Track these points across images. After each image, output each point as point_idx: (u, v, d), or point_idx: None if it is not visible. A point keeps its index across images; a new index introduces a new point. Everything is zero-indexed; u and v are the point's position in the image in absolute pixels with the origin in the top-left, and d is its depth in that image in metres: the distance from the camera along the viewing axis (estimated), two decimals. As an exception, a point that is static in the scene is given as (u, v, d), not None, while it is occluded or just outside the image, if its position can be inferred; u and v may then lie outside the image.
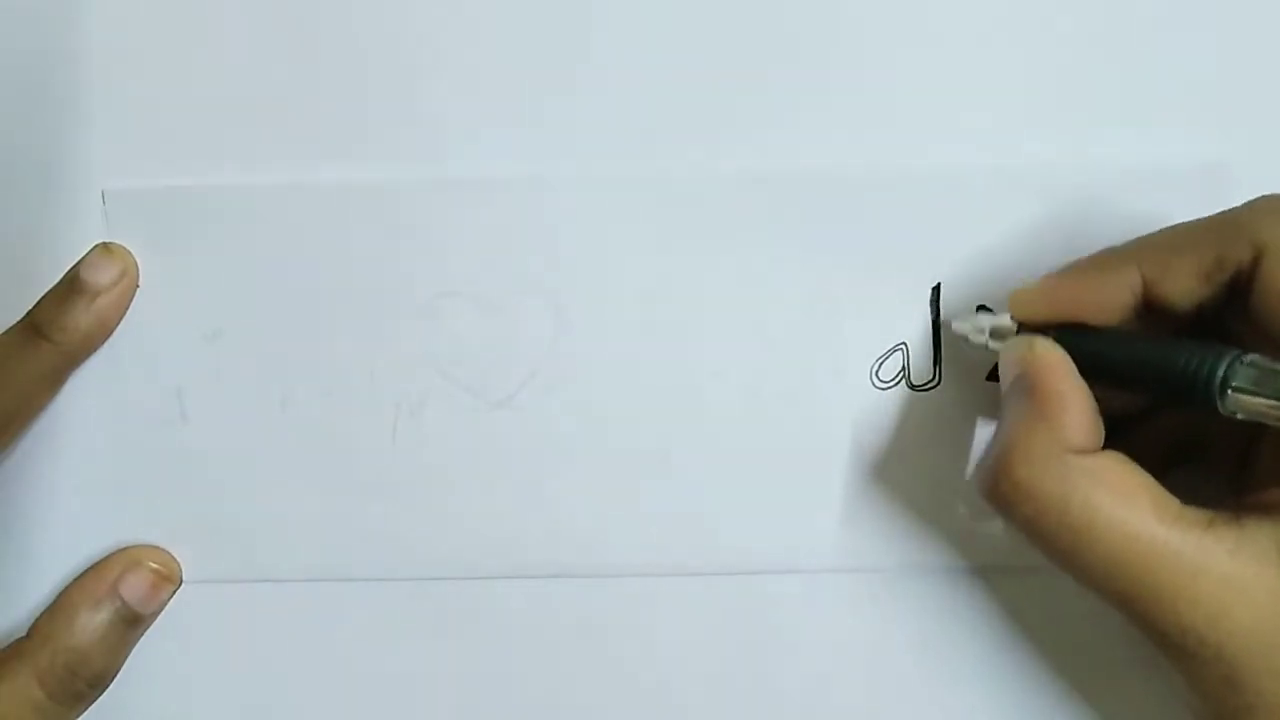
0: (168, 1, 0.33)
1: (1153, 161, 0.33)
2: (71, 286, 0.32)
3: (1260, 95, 0.33)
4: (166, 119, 0.33)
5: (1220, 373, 0.26)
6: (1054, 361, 0.28)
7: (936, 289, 0.33)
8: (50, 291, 0.32)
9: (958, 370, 0.33)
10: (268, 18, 0.33)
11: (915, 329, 0.33)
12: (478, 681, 0.34)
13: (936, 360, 0.33)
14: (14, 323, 0.32)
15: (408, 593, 0.34)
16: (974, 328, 0.31)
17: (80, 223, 0.33)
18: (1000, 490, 0.27)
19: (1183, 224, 0.28)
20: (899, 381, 0.33)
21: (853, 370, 0.33)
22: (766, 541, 0.33)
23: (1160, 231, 0.29)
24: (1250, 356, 0.26)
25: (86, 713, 0.32)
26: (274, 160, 0.33)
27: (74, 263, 0.32)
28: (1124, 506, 0.26)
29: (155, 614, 0.33)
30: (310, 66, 0.33)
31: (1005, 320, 0.30)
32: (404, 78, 0.33)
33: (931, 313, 0.33)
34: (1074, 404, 0.27)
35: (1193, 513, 0.26)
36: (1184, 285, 0.28)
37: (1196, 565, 0.25)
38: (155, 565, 0.33)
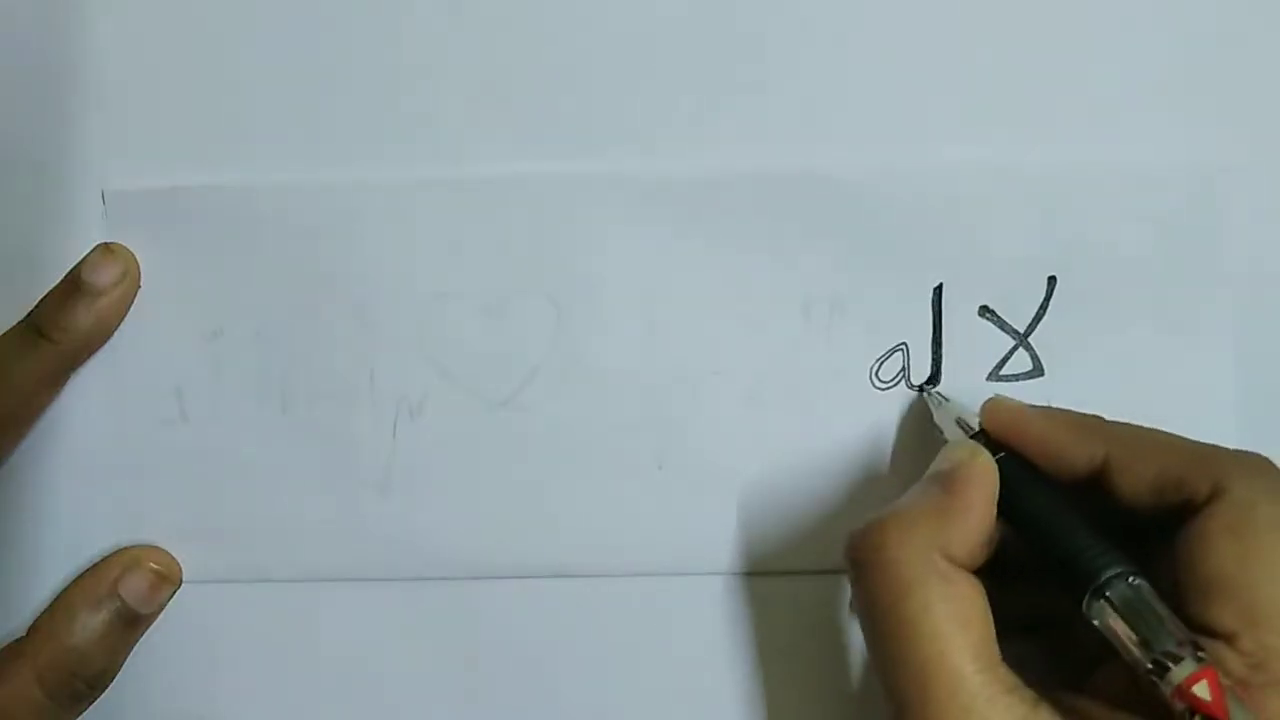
0: (168, 2, 0.33)
1: (1153, 161, 0.33)
2: (72, 287, 0.32)
3: (1260, 95, 0.33)
4: (166, 119, 0.33)
5: (1102, 578, 0.26)
6: (982, 478, 0.28)
7: (938, 289, 0.33)
8: (51, 292, 0.32)
9: (958, 371, 0.33)
10: (268, 18, 0.33)
11: (916, 329, 0.33)
12: (477, 681, 0.34)
13: (937, 361, 0.33)
14: (14, 323, 0.32)
15: (408, 593, 0.34)
16: (940, 410, 0.32)
17: (80, 223, 0.33)
18: (861, 552, 0.27)
19: (1166, 435, 0.29)
20: (899, 382, 0.33)
21: (852, 370, 0.33)
22: (766, 542, 0.33)
23: (1141, 428, 0.29)
24: (1139, 581, 0.26)
25: (86, 713, 0.32)
26: (274, 160, 0.33)
27: (74, 263, 0.32)
28: (952, 627, 0.26)
29: (155, 614, 0.33)
30: (310, 67, 0.33)
31: (972, 417, 0.31)
32: (404, 78, 0.33)
33: (932, 313, 0.33)
34: (973, 520, 0.27)
35: (1005, 673, 0.26)
36: (1135, 487, 0.28)
37: (975, 714, 0.25)
38: (155, 565, 0.33)
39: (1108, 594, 0.26)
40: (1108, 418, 0.30)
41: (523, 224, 0.33)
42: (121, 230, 0.33)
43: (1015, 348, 0.33)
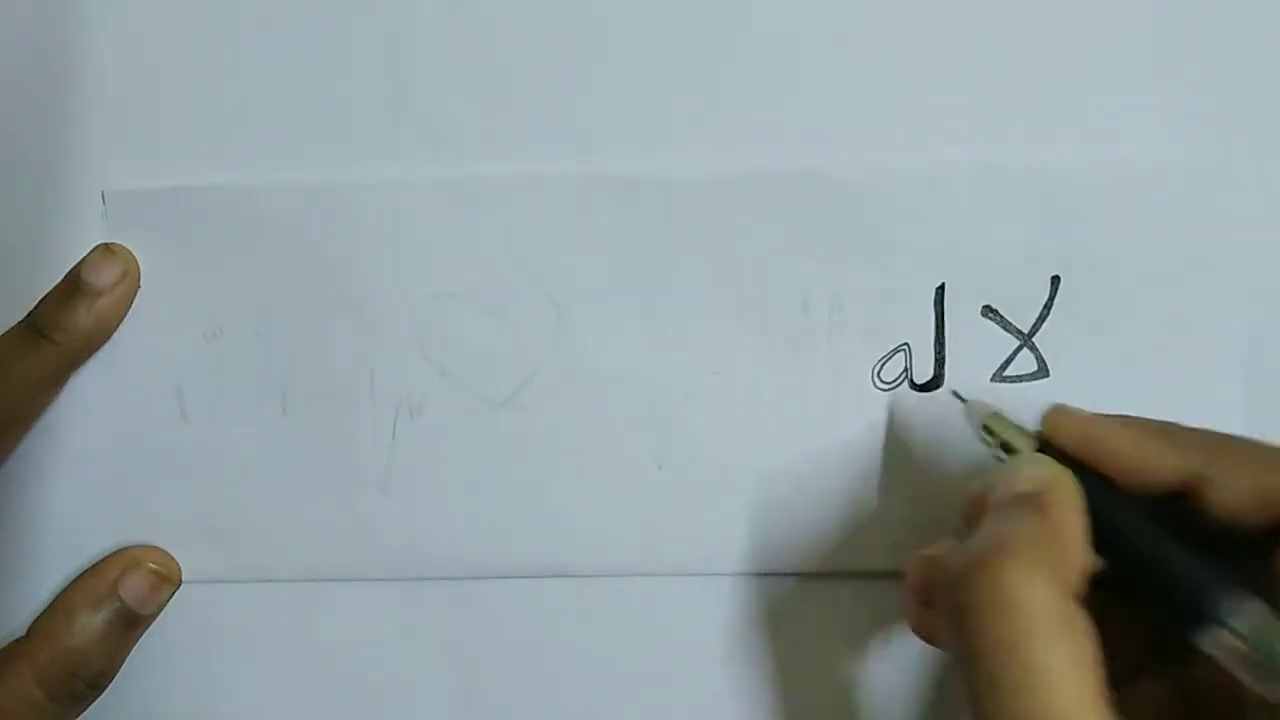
0: (168, 2, 0.33)
1: (1153, 161, 0.33)
2: (73, 287, 0.32)
3: (1260, 95, 0.33)
4: (166, 119, 0.33)
5: (1223, 603, 0.24)
6: (1075, 500, 0.26)
7: (940, 289, 0.33)
8: (51, 292, 0.32)
9: (960, 371, 0.33)
10: (267, 18, 0.33)
11: (918, 330, 0.33)
12: (477, 681, 0.34)
13: (939, 361, 0.33)
14: (15, 323, 0.32)
15: (408, 593, 0.34)
16: (985, 420, 0.29)
17: (80, 223, 0.33)
18: (979, 592, 0.24)
19: (1262, 442, 0.26)
20: (901, 382, 0.33)
21: (854, 371, 0.33)
22: (767, 542, 0.33)
23: (1236, 436, 0.27)
24: (1256, 605, 0.24)
25: (86, 713, 0.32)
26: (274, 160, 0.33)
27: (74, 263, 0.32)
28: (1078, 676, 0.23)
29: (155, 615, 0.33)
30: (310, 67, 0.33)
31: (1024, 427, 0.29)
32: (404, 78, 0.33)
33: (934, 313, 0.33)
34: (1081, 550, 0.25)
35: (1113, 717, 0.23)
36: (1234, 500, 0.26)
37: None
38: (155, 566, 0.33)
39: (1230, 621, 0.24)
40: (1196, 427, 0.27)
41: (523, 224, 0.33)
42: (121, 230, 0.33)
43: (1019, 348, 0.33)
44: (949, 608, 0.25)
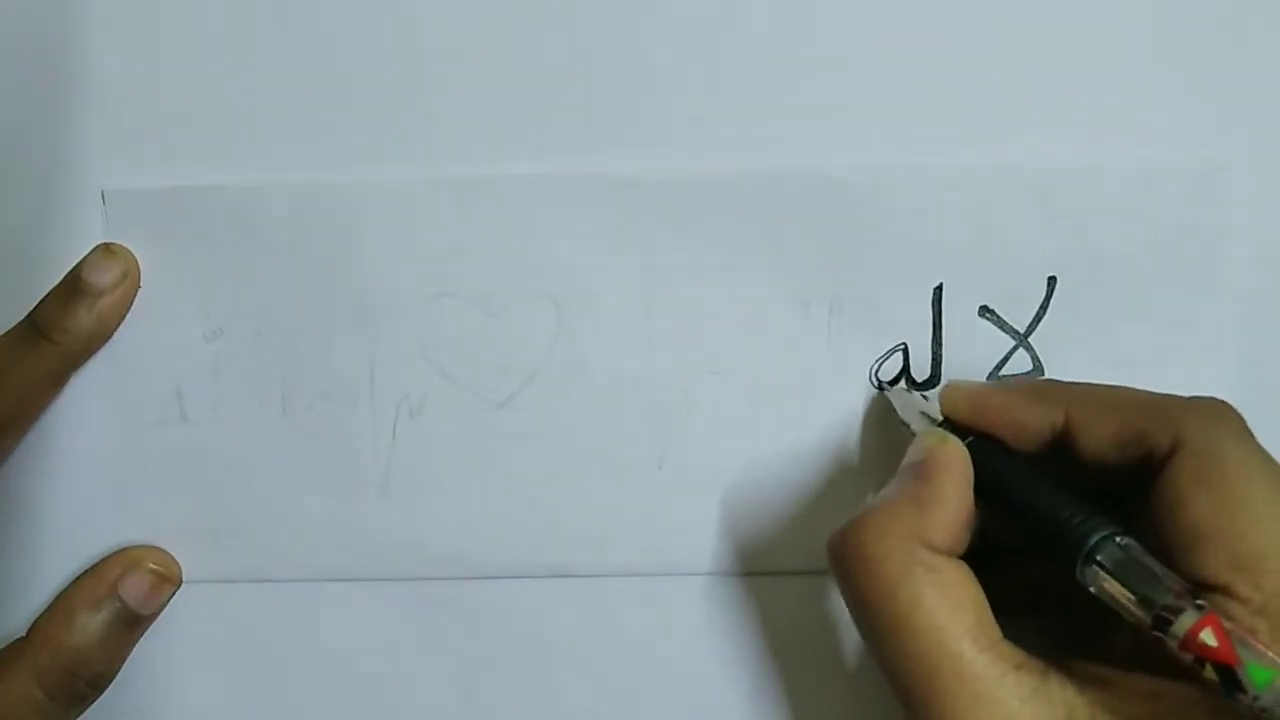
0: (168, 2, 0.33)
1: (1153, 161, 0.33)
2: (73, 288, 0.32)
3: (1260, 95, 0.33)
4: (166, 119, 0.33)
5: (1090, 543, 0.26)
6: (953, 462, 0.28)
7: (938, 289, 0.33)
8: (51, 292, 0.32)
9: (958, 371, 0.33)
10: (267, 18, 0.33)
11: (916, 329, 0.33)
12: (477, 681, 0.34)
13: (936, 361, 0.33)
14: (15, 323, 0.32)
15: (407, 593, 0.34)
16: (903, 405, 0.32)
17: (80, 223, 0.33)
18: (844, 552, 0.27)
19: (1123, 389, 0.29)
20: (899, 381, 0.33)
21: (852, 370, 0.33)
22: (767, 542, 0.33)
23: (1097, 386, 0.29)
24: (1126, 540, 0.26)
25: (86, 713, 0.32)
26: (274, 160, 0.33)
27: (74, 263, 0.32)
28: (946, 614, 0.26)
29: (155, 615, 0.33)
30: (310, 67, 0.33)
31: (934, 408, 0.31)
32: (404, 78, 0.33)
33: (932, 313, 0.33)
34: (949, 506, 0.27)
35: (1009, 649, 0.26)
36: (1098, 445, 0.28)
37: (986, 695, 0.25)
38: (155, 566, 0.33)
39: (1098, 558, 0.26)
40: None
41: (523, 224, 0.33)
42: (121, 230, 0.33)
43: (1016, 348, 0.33)
44: (833, 575, 0.28)
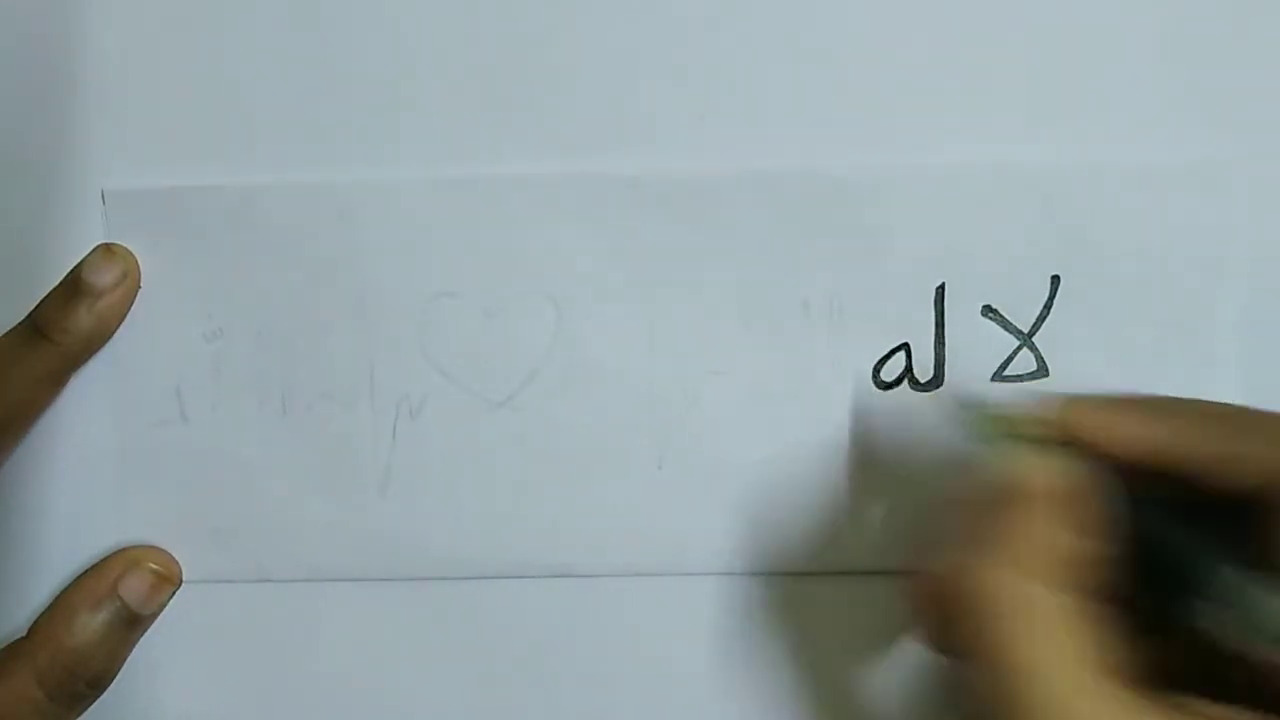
0: (168, 2, 0.33)
1: (1153, 161, 0.33)
2: (73, 288, 0.32)
3: (1260, 95, 0.33)
4: (166, 119, 0.33)
5: (1213, 577, 0.25)
6: (1055, 490, 0.26)
7: (940, 289, 0.33)
8: (51, 293, 0.32)
9: (961, 371, 0.33)
10: (268, 18, 0.33)
11: (918, 329, 0.33)
12: (477, 681, 0.34)
13: (939, 361, 0.33)
14: (15, 324, 0.32)
15: (407, 593, 0.34)
16: (973, 414, 0.29)
17: (80, 223, 0.33)
18: (956, 600, 0.26)
19: (1236, 409, 0.28)
20: (901, 382, 0.33)
21: (854, 370, 0.33)
22: (768, 541, 0.33)
23: (1211, 404, 0.28)
24: (1241, 572, 0.25)
25: (86, 713, 0.32)
26: (274, 160, 0.33)
27: (74, 263, 0.32)
28: (1063, 660, 0.24)
29: (155, 615, 0.33)
30: (310, 66, 0.33)
31: (1013, 421, 0.28)
32: (404, 78, 0.33)
33: (934, 313, 0.33)
34: (1057, 540, 0.26)
35: (1129, 695, 0.24)
36: (1230, 471, 0.26)
37: None
38: (155, 566, 0.33)
39: (1213, 596, 0.25)
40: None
41: (523, 224, 0.33)
42: (122, 230, 0.33)
43: (1019, 348, 0.33)
44: (941, 620, 0.26)
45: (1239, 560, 0.25)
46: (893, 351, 0.33)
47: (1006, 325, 0.33)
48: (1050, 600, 0.25)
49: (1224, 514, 0.26)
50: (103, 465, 0.33)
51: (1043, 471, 0.27)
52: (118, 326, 0.33)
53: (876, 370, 0.33)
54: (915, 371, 0.33)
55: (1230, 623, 0.25)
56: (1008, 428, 0.28)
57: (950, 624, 0.26)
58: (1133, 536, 0.26)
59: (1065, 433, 0.27)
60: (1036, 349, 0.33)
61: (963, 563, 0.26)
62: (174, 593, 0.33)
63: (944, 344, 0.33)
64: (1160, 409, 0.28)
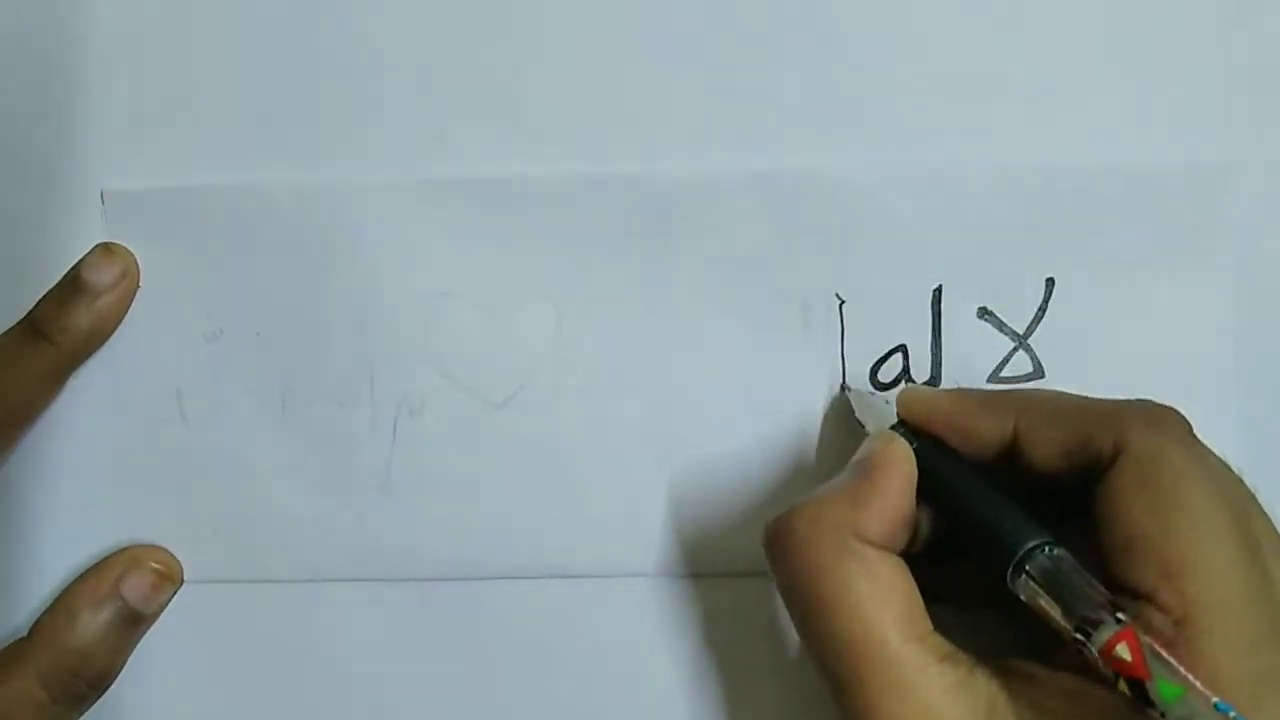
0: (168, 2, 0.33)
1: (1153, 162, 0.33)
2: (72, 287, 0.32)
3: (1259, 96, 0.33)
4: (166, 119, 0.33)
5: (1020, 553, 0.26)
6: (896, 460, 0.28)
7: (937, 290, 0.33)
8: (51, 292, 0.32)
9: (958, 373, 0.33)
10: (267, 18, 0.33)
11: (915, 331, 0.33)
12: (477, 682, 0.34)
13: (936, 363, 0.33)
14: (14, 323, 0.32)
15: (407, 593, 0.34)
16: (862, 407, 0.32)
17: (79, 223, 0.33)
18: (777, 538, 0.28)
19: (1072, 397, 0.29)
20: (899, 383, 0.33)
21: (852, 372, 0.33)
22: (766, 542, 0.33)
23: (1047, 394, 0.30)
24: (1057, 551, 0.26)
25: (87, 713, 0.32)
26: (274, 160, 0.33)
27: (74, 263, 0.32)
28: (873, 603, 0.26)
29: (156, 614, 0.33)
30: (310, 67, 0.33)
31: (892, 411, 0.31)
32: (404, 78, 0.33)
33: (931, 315, 0.33)
34: (887, 503, 0.28)
35: (937, 641, 0.26)
36: (1044, 453, 0.28)
37: (910, 686, 0.25)
38: (156, 565, 0.33)
39: (1027, 568, 0.26)
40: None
41: (523, 224, 0.33)
42: (121, 230, 0.33)
43: (1015, 349, 0.33)
44: (767, 562, 0.28)
45: (1061, 540, 0.27)
46: (890, 353, 0.33)
47: (1002, 327, 0.33)
48: (884, 557, 0.27)
49: (1059, 497, 0.28)
50: (103, 465, 0.33)
51: (897, 448, 0.29)
52: (117, 326, 0.33)
53: (874, 371, 0.33)
54: (912, 372, 0.33)
55: (1044, 603, 0.26)
56: (881, 415, 0.31)
57: (790, 563, 0.28)
58: (962, 513, 0.28)
59: (925, 421, 0.30)
60: (1032, 351, 0.33)
61: (810, 510, 0.28)
62: (175, 592, 0.33)
63: (941, 346, 0.33)
64: (994, 403, 0.29)
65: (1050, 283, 0.33)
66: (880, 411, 0.31)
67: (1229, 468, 0.27)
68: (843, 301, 0.33)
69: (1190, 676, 0.23)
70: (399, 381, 0.33)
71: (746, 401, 0.33)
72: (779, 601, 0.33)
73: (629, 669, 0.34)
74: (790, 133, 0.33)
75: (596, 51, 0.33)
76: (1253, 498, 0.27)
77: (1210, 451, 0.27)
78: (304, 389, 0.33)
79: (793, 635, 0.33)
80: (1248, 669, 0.24)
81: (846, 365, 0.33)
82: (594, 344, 0.33)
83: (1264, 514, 0.27)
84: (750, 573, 0.33)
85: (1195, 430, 0.28)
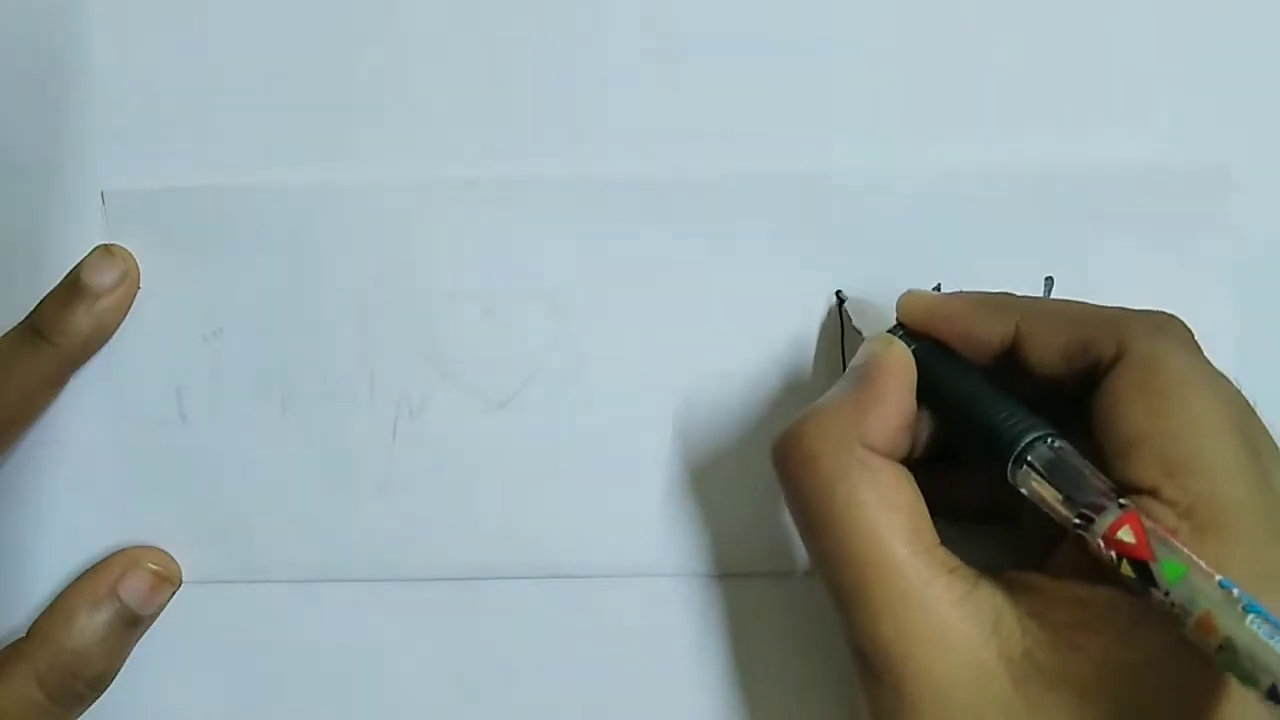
0: (168, 2, 0.33)
1: (1153, 161, 0.33)
2: (72, 289, 0.32)
3: (1260, 96, 0.33)
4: (166, 120, 0.33)
5: (1021, 444, 0.26)
6: (896, 364, 0.28)
7: (937, 289, 0.33)
8: (51, 293, 0.32)
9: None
10: (267, 18, 0.33)
11: (916, 330, 0.33)
12: (476, 682, 0.34)
13: (937, 360, 0.33)
14: (15, 325, 0.32)
15: (407, 593, 0.34)
16: (859, 314, 0.32)
17: (80, 224, 0.33)
18: (784, 452, 0.28)
19: (1071, 302, 0.29)
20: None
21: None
22: (768, 542, 0.33)
23: (1049, 299, 0.30)
24: (1059, 442, 0.26)
25: (86, 713, 0.32)
26: (274, 160, 0.34)
27: (74, 264, 0.32)
28: (882, 514, 0.26)
29: (155, 615, 0.33)
30: (310, 67, 0.33)
31: (887, 316, 0.31)
32: (404, 78, 0.33)
33: (932, 314, 0.33)
34: (889, 408, 0.28)
35: (943, 554, 0.26)
36: (1045, 355, 0.28)
37: (918, 598, 0.25)
38: (155, 566, 0.33)
39: (1029, 458, 0.26)
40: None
41: (523, 225, 0.33)
42: (121, 231, 0.33)
43: (1015, 348, 0.33)
44: (777, 477, 0.28)
45: (1066, 438, 0.27)
46: (891, 351, 0.33)
47: (1004, 326, 0.33)
48: (890, 466, 0.27)
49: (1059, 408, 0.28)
50: (103, 465, 0.33)
51: (895, 351, 0.29)
52: (117, 328, 0.33)
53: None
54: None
55: (1046, 492, 0.26)
56: (878, 322, 0.31)
57: (780, 480, 0.28)
58: (964, 411, 0.28)
59: (926, 323, 0.30)
60: (1033, 350, 0.33)
61: (814, 422, 0.28)
62: (174, 593, 0.33)
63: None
64: (996, 304, 0.29)
65: (1049, 282, 0.33)
66: (879, 318, 0.31)
67: (1228, 379, 0.27)
68: (843, 301, 0.33)
69: (1194, 556, 0.23)
70: (399, 381, 0.33)
71: (747, 401, 0.33)
72: (779, 601, 0.33)
73: (629, 669, 0.33)
74: (789, 135, 0.33)
75: (597, 52, 0.33)
76: (1251, 408, 0.27)
77: (1210, 362, 0.27)
78: (304, 389, 0.33)
79: (795, 634, 0.33)
80: (1255, 563, 0.24)
81: (847, 367, 0.33)
82: (594, 344, 0.33)
83: (1261, 423, 0.27)
84: (753, 573, 0.33)
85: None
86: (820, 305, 0.33)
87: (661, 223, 0.33)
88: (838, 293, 0.33)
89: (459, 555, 0.33)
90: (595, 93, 0.33)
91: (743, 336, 0.33)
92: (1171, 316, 0.28)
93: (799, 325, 0.33)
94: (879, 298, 0.33)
